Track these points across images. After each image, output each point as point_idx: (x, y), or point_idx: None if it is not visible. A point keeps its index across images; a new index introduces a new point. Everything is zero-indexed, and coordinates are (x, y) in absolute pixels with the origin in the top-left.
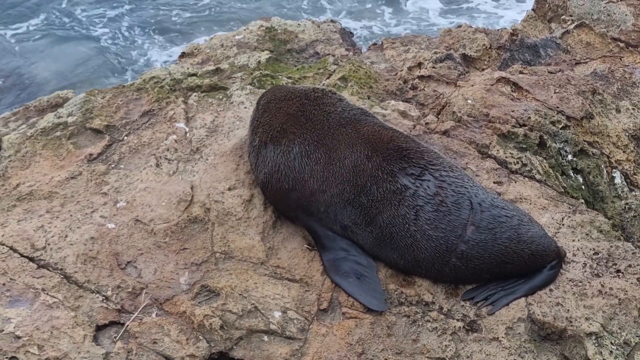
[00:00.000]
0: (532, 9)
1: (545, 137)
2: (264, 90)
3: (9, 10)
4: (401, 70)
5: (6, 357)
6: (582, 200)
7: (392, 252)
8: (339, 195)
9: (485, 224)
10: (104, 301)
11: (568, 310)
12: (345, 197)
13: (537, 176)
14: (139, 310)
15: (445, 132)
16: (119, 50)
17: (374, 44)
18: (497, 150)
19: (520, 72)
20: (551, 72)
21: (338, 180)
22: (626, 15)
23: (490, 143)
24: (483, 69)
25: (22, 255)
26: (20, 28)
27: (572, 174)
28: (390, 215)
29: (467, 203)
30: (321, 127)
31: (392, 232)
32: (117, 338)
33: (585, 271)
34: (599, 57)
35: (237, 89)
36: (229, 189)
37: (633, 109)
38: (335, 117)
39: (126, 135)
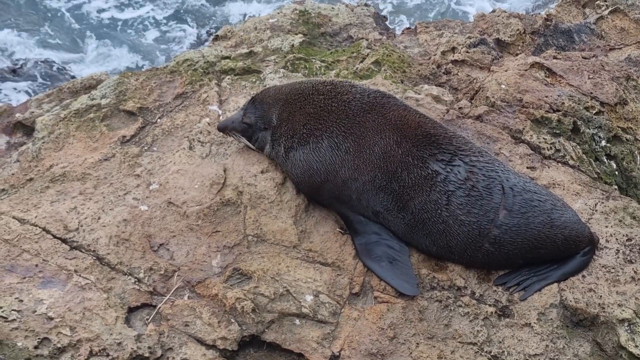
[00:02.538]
0: None
1: (578, 122)
2: (263, 100)
3: None
4: (435, 55)
5: (38, 338)
6: (616, 186)
7: (424, 239)
8: (370, 182)
9: (517, 208)
10: (136, 283)
11: (600, 296)
12: (377, 184)
13: (571, 162)
14: (171, 292)
15: (478, 117)
16: (152, 33)
17: (408, 28)
18: (531, 136)
19: (554, 58)
20: (585, 58)
21: (369, 167)
22: None
23: (523, 128)
24: (517, 54)
25: (55, 237)
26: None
27: (605, 160)
28: (422, 201)
29: (498, 187)
30: (345, 117)
31: (424, 218)
32: (149, 320)
33: (618, 257)
34: (634, 43)
35: (271, 72)
36: (262, 172)
37: None
38: (357, 104)
39: (159, 118)
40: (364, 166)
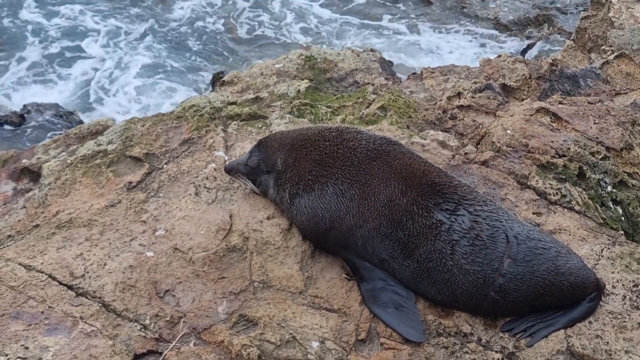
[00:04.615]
0: (572, 39)
1: (584, 168)
2: (268, 144)
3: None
4: (440, 100)
5: None
6: (622, 232)
7: (429, 287)
8: (375, 229)
9: (522, 257)
10: (142, 330)
11: (607, 342)
12: (382, 232)
13: (577, 207)
14: (177, 339)
15: (484, 163)
16: (158, 79)
17: (413, 74)
18: (537, 181)
19: (560, 103)
20: (591, 103)
21: (374, 215)
22: None
23: (529, 174)
24: (522, 99)
25: (60, 283)
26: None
27: (611, 205)
28: (427, 250)
29: (502, 236)
30: (351, 164)
31: (429, 267)
32: None
33: (625, 303)
34: (639, 88)
35: (277, 118)
36: (268, 218)
37: None
38: (362, 151)
39: (166, 164)
40: (369, 214)
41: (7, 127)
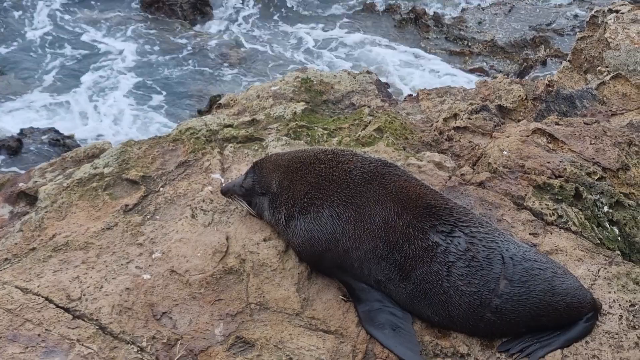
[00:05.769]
0: (568, 60)
1: (581, 188)
2: (263, 165)
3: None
4: (437, 122)
5: None
6: (618, 252)
7: (426, 309)
8: (372, 251)
9: (518, 278)
10: (139, 352)
11: None
12: (378, 254)
13: (573, 228)
14: None
15: (480, 184)
16: (154, 102)
17: (410, 95)
18: (533, 202)
19: (556, 123)
20: (587, 123)
21: (370, 237)
22: None
23: (525, 194)
24: (519, 120)
25: (57, 306)
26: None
27: (608, 226)
28: (423, 271)
29: (498, 257)
30: (346, 186)
31: (425, 289)
32: None
33: (622, 323)
34: (635, 108)
35: (273, 140)
36: (264, 240)
37: None
38: (358, 173)
39: (162, 186)
40: (365, 236)
41: (4, 151)
